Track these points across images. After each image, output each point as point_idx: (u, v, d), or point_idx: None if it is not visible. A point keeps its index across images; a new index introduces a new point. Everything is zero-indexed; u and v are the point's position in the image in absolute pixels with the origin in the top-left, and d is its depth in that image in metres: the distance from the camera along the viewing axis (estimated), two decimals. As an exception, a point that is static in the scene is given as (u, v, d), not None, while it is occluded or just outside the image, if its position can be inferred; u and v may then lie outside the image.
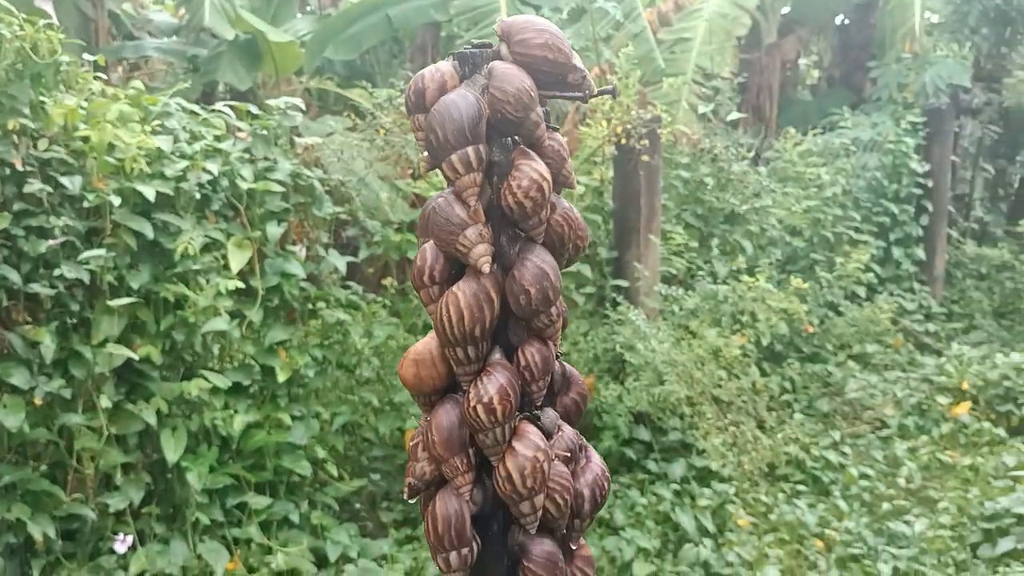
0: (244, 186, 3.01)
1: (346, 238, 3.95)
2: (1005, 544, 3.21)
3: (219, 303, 2.85)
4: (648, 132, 4.09)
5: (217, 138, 3.09)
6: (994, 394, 4.59)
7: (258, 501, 2.99)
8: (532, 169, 0.63)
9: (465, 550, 0.65)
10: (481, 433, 0.64)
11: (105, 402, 2.68)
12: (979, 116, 7.35)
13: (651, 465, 3.74)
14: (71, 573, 2.64)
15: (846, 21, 9.39)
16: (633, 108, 4.12)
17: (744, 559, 3.19)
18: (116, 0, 6.47)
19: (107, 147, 2.71)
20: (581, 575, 0.70)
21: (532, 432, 0.65)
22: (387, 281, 3.94)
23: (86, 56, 3.00)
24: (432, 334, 0.66)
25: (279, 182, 3.11)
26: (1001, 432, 4.28)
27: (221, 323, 2.85)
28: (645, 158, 4.09)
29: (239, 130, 3.20)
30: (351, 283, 3.84)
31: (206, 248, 2.92)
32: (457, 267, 0.66)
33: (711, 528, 3.38)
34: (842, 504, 3.68)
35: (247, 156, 3.12)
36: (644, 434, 3.81)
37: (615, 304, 4.02)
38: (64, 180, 2.64)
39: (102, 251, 2.65)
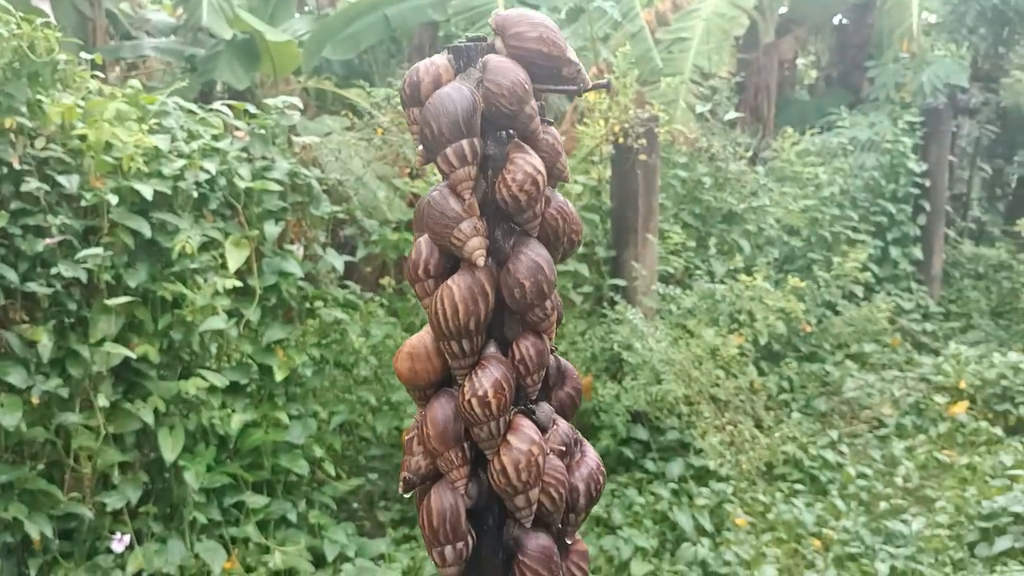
0: (242, 185, 3.01)
1: (344, 237, 3.95)
2: (1002, 543, 3.21)
3: (217, 302, 2.85)
4: (646, 131, 4.09)
5: (215, 137, 3.09)
6: (991, 393, 4.60)
7: (255, 500, 2.99)
8: (527, 163, 0.63)
9: (460, 544, 0.65)
10: (476, 427, 0.64)
11: (102, 401, 2.68)
12: (977, 116, 7.35)
13: (649, 464, 3.74)
14: (68, 572, 2.64)
15: (844, 21, 9.39)
16: (631, 107, 4.12)
17: (742, 558, 3.19)
18: None
19: (104, 146, 2.71)
20: (576, 569, 0.70)
21: (527, 426, 0.65)
22: (385, 280, 3.94)
23: (83, 55, 3.00)
24: (427, 328, 0.66)
25: (277, 181, 3.11)
26: (998, 431, 4.29)
27: (219, 322, 2.85)
28: (643, 157, 4.09)
29: (237, 129, 3.20)
30: (349, 282, 3.84)
31: (204, 247, 2.92)
32: (452, 261, 0.66)
33: (709, 527, 3.38)
34: (840, 503, 3.68)
35: (245, 155, 3.12)
36: (642, 433, 3.81)
37: (613, 303, 4.02)
38: (61, 179, 2.63)
39: (99, 250, 2.64)
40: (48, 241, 2.59)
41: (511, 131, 0.65)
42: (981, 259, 6.91)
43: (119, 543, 2.68)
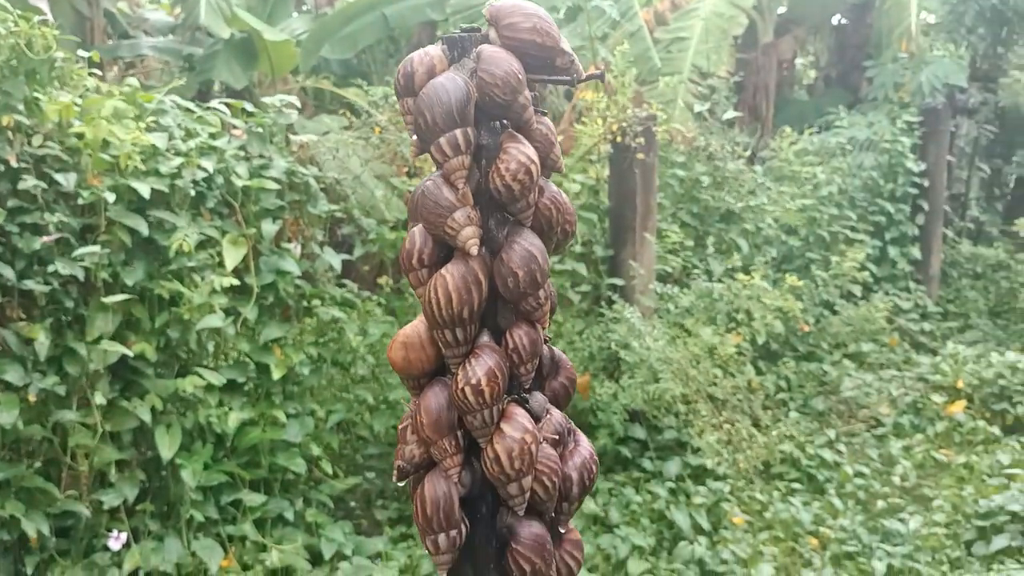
0: (239, 183, 3.01)
1: (341, 236, 3.95)
2: (999, 541, 3.22)
3: (214, 300, 2.85)
4: (644, 130, 4.09)
5: (212, 135, 3.09)
6: (989, 393, 4.60)
7: (253, 498, 2.99)
8: (520, 152, 0.63)
9: (454, 532, 0.65)
10: (469, 415, 0.64)
11: (99, 399, 2.68)
12: (975, 116, 7.36)
13: (646, 463, 3.74)
14: (65, 570, 2.63)
15: (843, 21, 9.40)
16: (629, 107, 4.13)
17: (739, 557, 3.19)
18: (112, -1, 6.47)
19: (102, 144, 2.71)
20: (570, 558, 0.70)
21: (520, 414, 0.65)
22: (382, 279, 3.95)
23: (81, 52, 3.00)
24: (421, 317, 0.67)
25: (274, 180, 3.11)
26: (996, 430, 4.29)
27: (216, 320, 2.85)
28: (641, 156, 4.09)
29: (234, 128, 3.20)
30: (346, 281, 3.84)
31: (201, 245, 2.92)
32: (446, 250, 0.66)
33: (706, 526, 3.38)
34: (837, 502, 3.68)
35: (242, 154, 3.12)
36: (639, 432, 3.81)
37: (611, 302, 4.02)
38: (59, 177, 2.63)
39: (97, 248, 2.64)
40: (45, 239, 2.59)
41: (505, 121, 0.65)
42: (979, 259, 6.92)
43: (116, 541, 2.68)
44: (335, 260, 3.41)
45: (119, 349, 2.68)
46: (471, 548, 0.66)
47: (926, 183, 6.29)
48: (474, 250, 0.63)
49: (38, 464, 2.70)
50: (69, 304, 2.68)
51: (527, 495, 0.65)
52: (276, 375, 3.06)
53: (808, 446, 4.11)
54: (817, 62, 10.96)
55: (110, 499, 2.72)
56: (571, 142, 4.36)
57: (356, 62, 6.83)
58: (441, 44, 0.67)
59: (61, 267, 2.58)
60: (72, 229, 2.69)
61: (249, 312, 3.02)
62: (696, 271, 4.70)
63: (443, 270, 0.64)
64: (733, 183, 5.05)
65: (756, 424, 3.96)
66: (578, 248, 4.15)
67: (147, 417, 2.73)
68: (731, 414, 3.81)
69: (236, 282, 2.93)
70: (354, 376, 3.64)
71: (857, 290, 5.32)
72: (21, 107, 2.62)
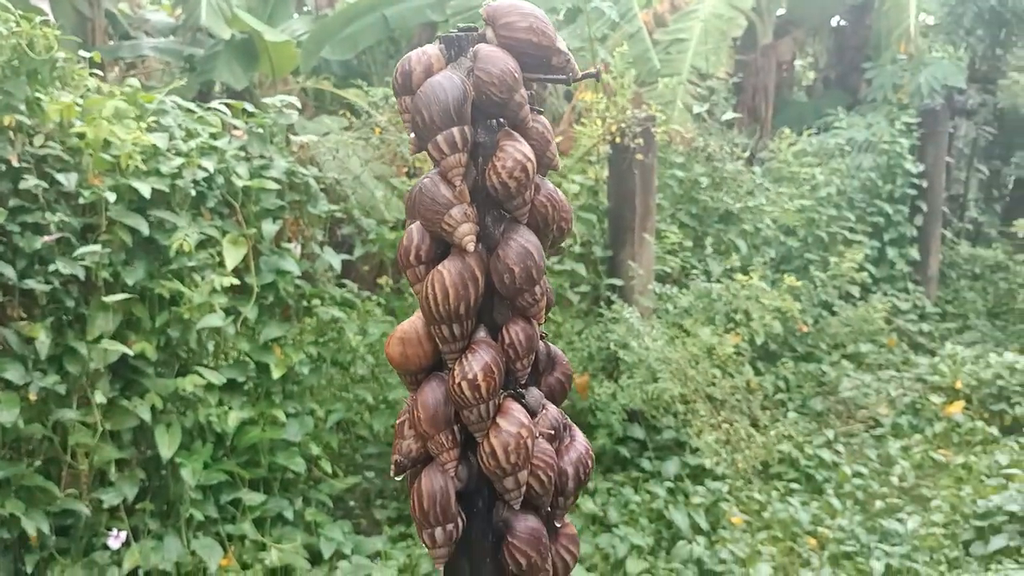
0: (239, 183, 3.02)
1: (341, 236, 3.96)
2: (997, 542, 3.22)
3: (214, 300, 2.85)
4: (643, 131, 4.10)
5: (213, 136, 3.10)
6: (987, 393, 4.61)
7: (252, 498, 3.00)
8: (516, 150, 0.64)
9: (450, 526, 0.66)
10: (466, 409, 0.65)
11: (100, 398, 2.69)
12: (974, 117, 7.37)
13: (645, 463, 3.75)
14: (65, 569, 2.64)
15: (842, 22, 9.41)
16: (628, 108, 4.13)
17: (737, 556, 3.20)
18: (112, -1, 6.48)
19: (103, 144, 2.72)
20: (566, 553, 0.71)
21: (516, 409, 0.66)
22: (382, 279, 3.95)
23: (82, 53, 3.00)
24: (418, 313, 0.67)
25: (274, 180, 3.12)
26: (994, 431, 4.30)
27: (216, 320, 2.86)
28: (640, 157, 4.10)
29: (235, 128, 3.21)
30: (346, 281, 3.85)
31: (201, 245, 2.93)
32: (443, 247, 0.67)
33: (704, 526, 3.39)
34: (835, 502, 3.69)
35: (243, 154, 3.13)
36: (638, 432, 3.82)
37: (609, 303, 4.03)
38: (60, 176, 2.64)
39: (97, 247, 2.65)
40: (46, 238, 2.60)
41: (501, 119, 0.66)
42: (978, 260, 6.93)
43: (115, 540, 2.69)
44: (335, 260, 3.41)
45: (119, 348, 2.68)
46: (467, 542, 0.67)
47: (925, 184, 6.30)
48: (471, 246, 0.64)
49: (38, 463, 2.71)
50: (70, 303, 2.68)
51: (523, 489, 0.65)
52: (276, 374, 3.07)
53: (806, 446, 4.12)
54: (816, 63, 10.97)
55: (110, 498, 2.72)
56: (570, 143, 4.37)
57: (356, 63, 6.84)
58: (438, 43, 0.67)
59: (62, 266, 2.59)
60: (73, 229, 2.70)
61: (249, 312, 3.03)
62: (695, 271, 4.70)
63: (440, 266, 0.65)
64: (732, 184, 5.06)
65: (755, 424, 3.97)
66: (577, 248, 4.16)
67: (147, 416, 2.73)
68: (730, 414, 3.81)
69: (236, 282, 2.94)
70: (354, 376, 3.65)
71: (855, 291, 5.33)
72: (23, 107, 2.63)
